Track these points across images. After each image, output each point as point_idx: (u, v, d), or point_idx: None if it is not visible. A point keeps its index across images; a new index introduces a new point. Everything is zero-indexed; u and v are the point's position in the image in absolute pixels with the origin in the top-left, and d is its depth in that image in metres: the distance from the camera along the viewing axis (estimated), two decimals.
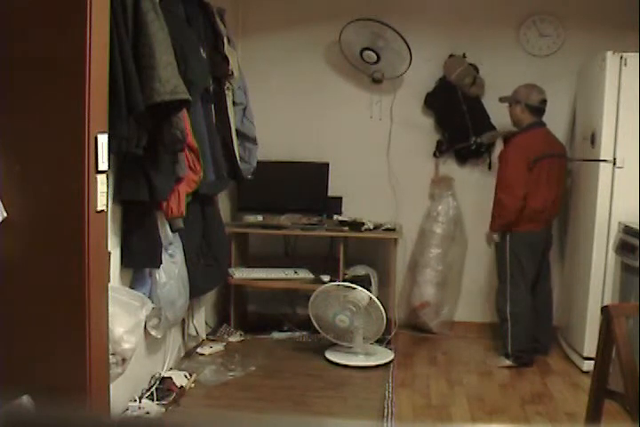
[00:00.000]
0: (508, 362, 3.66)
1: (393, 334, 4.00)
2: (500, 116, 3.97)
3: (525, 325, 3.68)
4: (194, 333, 3.62)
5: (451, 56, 4.17)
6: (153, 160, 2.60)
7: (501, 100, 3.82)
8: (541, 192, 3.63)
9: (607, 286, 3.47)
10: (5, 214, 1.89)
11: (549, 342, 3.91)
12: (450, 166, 4.30)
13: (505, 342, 3.69)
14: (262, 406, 3.07)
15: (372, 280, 4.00)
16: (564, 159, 3.82)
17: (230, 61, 3.38)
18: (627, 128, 3.42)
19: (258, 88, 4.04)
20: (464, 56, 4.15)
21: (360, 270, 4.06)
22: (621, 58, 3.40)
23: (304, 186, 4.31)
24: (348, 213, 4.27)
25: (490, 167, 4.21)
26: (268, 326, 4.20)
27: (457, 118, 4.15)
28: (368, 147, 4.35)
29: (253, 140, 3.80)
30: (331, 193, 4.27)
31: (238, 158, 3.67)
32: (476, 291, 4.31)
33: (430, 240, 4.20)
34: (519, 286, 3.68)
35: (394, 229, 4.10)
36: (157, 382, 3.08)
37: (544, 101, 3.73)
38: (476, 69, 4.15)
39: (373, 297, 3.60)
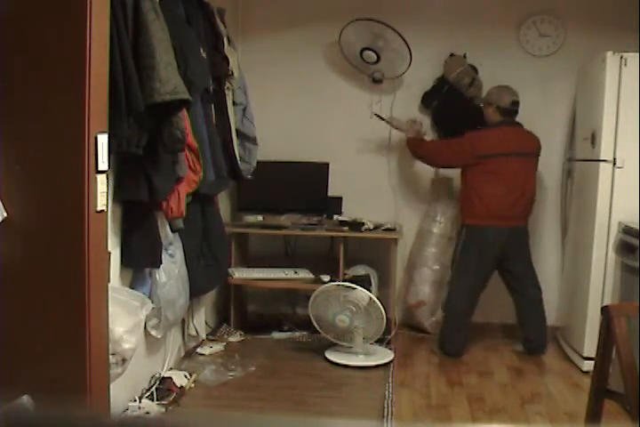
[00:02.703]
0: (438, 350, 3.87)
1: (393, 334, 4.00)
2: None
3: (457, 320, 3.82)
4: (194, 333, 3.62)
5: (452, 55, 4.17)
6: (153, 160, 2.60)
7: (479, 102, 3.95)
8: (491, 189, 3.69)
9: (607, 286, 3.47)
10: (5, 214, 1.89)
11: (544, 341, 3.90)
12: None
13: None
14: (262, 406, 3.07)
15: (372, 280, 4.00)
16: (530, 158, 3.82)
17: (230, 61, 3.38)
18: (627, 128, 3.42)
19: (258, 88, 4.04)
20: (465, 56, 4.15)
21: (360, 270, 4.06)
22: (621, 58, 3.39)
23: (304, 186, 4.31)
24: (347, 213, 4.27)
25: None
26: (268, 326, 4.20)
27: (454, 118, 4.15)
28: (368, 147, 4.35)
29: (253, 140, 3.80)
30: (331, 193, 4.27)
31: (238, 158, 3.67)
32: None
33: (427, 239, 4.21)
34: (458, 279, 3.81)
35: (394, 229, 4.10)
36: (157, 382, 3.08)
37: (515, 103, 3.76)
38: (475, 71, 4.15)
39: (373, 297, 3.60)
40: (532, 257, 3.93)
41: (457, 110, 4.12)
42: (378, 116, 4.20)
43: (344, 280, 3.85)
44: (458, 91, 4.14)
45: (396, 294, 4.23)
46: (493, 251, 3.76)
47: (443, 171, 4.29)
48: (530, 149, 3.84)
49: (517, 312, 3.94)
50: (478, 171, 3.74)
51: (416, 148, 3.99)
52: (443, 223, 4.18)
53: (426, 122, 4.28)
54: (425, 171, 4.30)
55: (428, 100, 4.25)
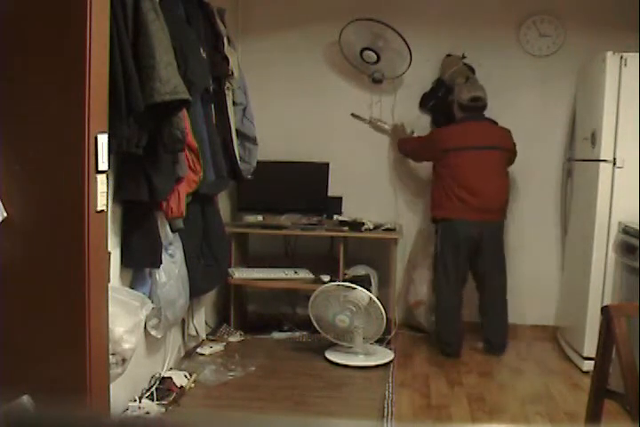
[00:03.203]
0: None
1: (393, 334, 4.00)
2: (499, 116, 3.96)
3: (449, 318, 3.84)
4: (194, 333, 3.62)
5: (448, 56, 4.17)
6: (153, 160, 2.61)
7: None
8: (457, 182, 3.74)
9: (607, 286, 3.47)
10: (5, 214, 1.89)
11: (504, 341, 3.90)
12: None
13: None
14: (262, 406, 3.07)
15: (372, 280, 4.00)
16: (496, 152, 3.82)
17: (230, 61, 3.38)
18: (627, 128, 3.42)
19: (258, 88, 4.04)
20: (463, 56, 4.14)
21: (360, 270, 4.06)
22: (621, 58, 3.40)
23: (304, 186, 4.31)
24: (347, 213, 4.27)
25: None
26: (268, 326, 4.20)
27: (452, 118, 4.14)
28: (368, 147, 4.35)
29: (253, 140, 3.80)
30: (331, 193, 4.27)
31: (238, 158, 3.67)
32: (472, 290, 4.29)
33: (427, 239, 4.21)
34: (441, 277, 3.85)
35: (394, 229, 4.10)
36: (157, 382, 3.08)
37: (475, 99, 3.81)
38: (472, 70, 4.15)
39: (373, 297, 3.60)
40: (505, 257, 3.93)
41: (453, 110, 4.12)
42: (356, 116, 4.24)
43: (344, 280, 3.85)
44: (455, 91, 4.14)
45: (396, 294, 4.23)
46: (467, 245, 3.78)
47: None
48: (496, 142, 3.84)
49: (479, 309, 3.95)
50: (443, 165, 3.83)
51: (402, 146, 4.15)
52: None
53: (426, 121, 4.28)
54: (425, 171, 4.30)
55: (425, 101, 4.25)
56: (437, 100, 4.21)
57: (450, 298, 3.85)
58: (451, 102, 3.96)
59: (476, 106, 3.83)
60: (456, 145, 3.79)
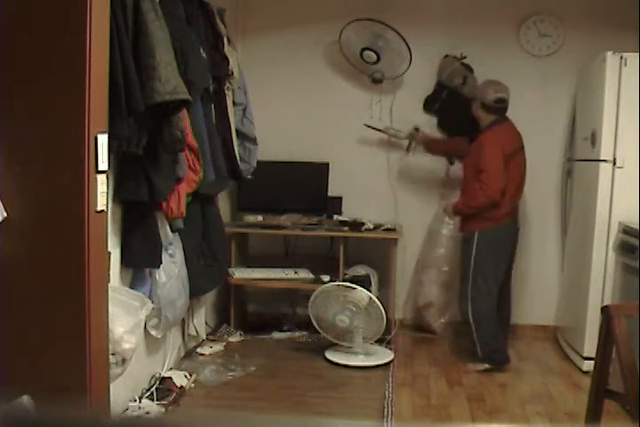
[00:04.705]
0: (484, 366, 3.60)
1: (393, 334, 4.00)
2: None
3: (491, 324, 3.62)
4: (194, 333, 3.62)
5: (446, 56, 4.17)
6: (153, 160, 2.61)
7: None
8: (513, 186, 3.60)
9: (607, 286, 3.47)
10: (5, 214, 1.90)
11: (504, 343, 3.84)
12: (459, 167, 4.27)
13: (475, 345, 3.65)
14: (262, 406, 3.07)
15: (372, 280, 4.00)
16: (523, 154, 3.72)
17: (230, 61, 3.38)
18: (627, 128, 3.42)
19: (258, 88, 4.04)
20: (462, 56, 4.14)
21: (360, 270, 4.06)
22: (621, 58, 3.40)
23: (304, 186, 4.31)
24: (347, 213, 4.27)
25: None
26: (267, 326, 4.20)
27: (459, 120, 4.14)
28: (368, 147, 4.35)
29: (253, 140, 3.80)
30: (331, 193, 4.27)
31: (238, 158, 3.67)
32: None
33: (436, 240, 4.19)
34: (481, 286, 3.60)
35: (394, 229, 4.10)
36: (157, 382, 3.08)
37: (500, 100, 3.62)
38: (470, 70, 4.14)
39: (373, 297, 3.60)
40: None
41: (458, 111, 4.11)
42: (370, 126, 4.18)
43: (344, 280, 3.85)
44: (456, 92, 4.14)
45: (402, 295, 4.23)
46: (509, 248, 3.68)
47: (454, 171, 4.22)
48: (522, 143, 3.72)
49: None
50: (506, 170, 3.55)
51: (465, 208, 3.67)
52: (451, 224, 4.14)
53: (429, 122, 4.28)
54: (425, 170, 4.30)
55: (430, 104, 4.25)
56: (442, 103, 4.20)
57: (493, 306, 3.65)
58: (472, 99, 3.75)
59: (502, 107, 3.65)
60: (512, 147, 3.59)
